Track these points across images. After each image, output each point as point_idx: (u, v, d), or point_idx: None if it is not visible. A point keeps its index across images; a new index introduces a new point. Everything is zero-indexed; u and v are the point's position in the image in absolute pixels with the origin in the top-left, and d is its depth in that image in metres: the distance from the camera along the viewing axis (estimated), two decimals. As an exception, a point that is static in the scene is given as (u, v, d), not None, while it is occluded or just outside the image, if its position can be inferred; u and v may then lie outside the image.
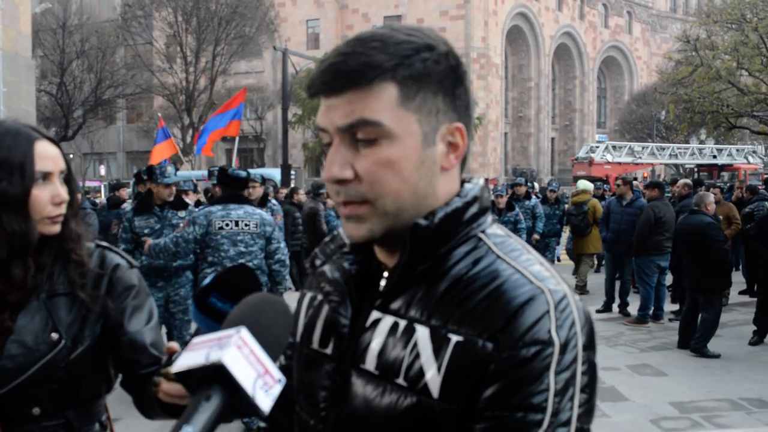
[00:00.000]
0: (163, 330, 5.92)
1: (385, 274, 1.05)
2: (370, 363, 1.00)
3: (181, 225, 5.45)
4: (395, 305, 1.01)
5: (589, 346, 0.93)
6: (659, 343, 7.74)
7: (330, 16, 46.21)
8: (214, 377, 0.83)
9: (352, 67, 0.94)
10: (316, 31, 46.46)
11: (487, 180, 24.09)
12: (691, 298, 7.60)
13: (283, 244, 5.50)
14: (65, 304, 1.58)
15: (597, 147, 32.63)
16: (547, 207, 11.71)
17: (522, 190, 11.09)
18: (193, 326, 1.39)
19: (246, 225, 5.21)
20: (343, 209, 0.99)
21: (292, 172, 21.33)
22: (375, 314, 1.02)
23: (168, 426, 0.86)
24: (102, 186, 35.47)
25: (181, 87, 30.84)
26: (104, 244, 1.73)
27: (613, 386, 6.29)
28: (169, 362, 1.30)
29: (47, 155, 1.57)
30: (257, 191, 7.05)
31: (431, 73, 0.97)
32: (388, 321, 1.00)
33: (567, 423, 0.89)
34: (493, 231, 1.04)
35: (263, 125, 42.46)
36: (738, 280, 11.52)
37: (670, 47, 36.50)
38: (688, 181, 11.21)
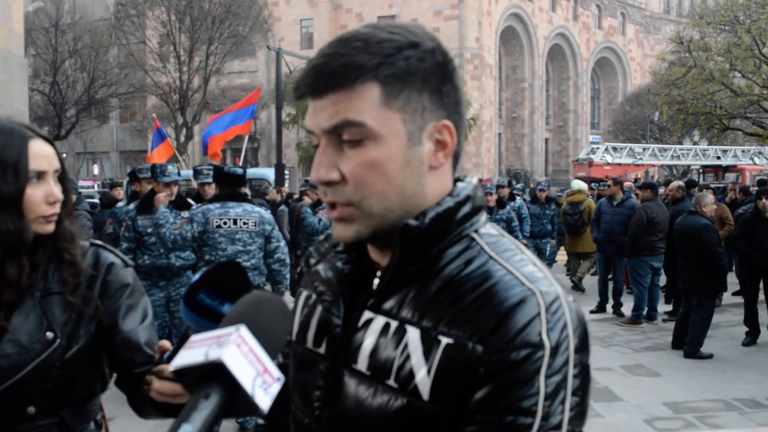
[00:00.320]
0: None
1: (378, 273, 1.05)
2: (362, 363, 1.00)
3: (178, 222, 5.41)
4: (387, 305, 1.00)
5: (582, 348, 0.92)
6: (653, 344, 7.77)
7: (324, 15, 46.18)
8: (213, 375, 0.82)
9: (334, 69, 0.94)
10: (310, 31, 46.41)
11: (480, 180, 24.11)
12: (687, 300, 7.62)
13: (282, 243, 5.39)
14: (60, 303, 1.57)
15: (597, 148, 32.66)
16: (536, 207, 11.56)
17: (505, 192, 10.74)
18: None
19: (244, 223, 5.13)
20: (332, 212, 0.99)
21: (286, 171, 21.30)
22: (367, 314, 1.02)
23: (163, 425, 0.86)
24: (95, 185, 35.39)
25: (175, 86, 30.75)
26: (99, 242, 1.72)
27: (606, 386, 6.30)
28: (161, 361, 1.29)
29: (42, 154, 1.56)
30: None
31: (415, 71, 0.96)
32: (380, 321, 1.00)
33: (558, 427, 0.88)
34: (487, 230, 1.03)
35: (257, 125, 42.28)
36: (731, 281, 11.57)
37: (664, 48, 36.54)
38: (682, 183, 11.25)
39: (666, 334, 8.28)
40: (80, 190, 7.79)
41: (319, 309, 1.10)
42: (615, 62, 60.52)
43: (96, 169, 46.94)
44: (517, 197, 11.28)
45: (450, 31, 44.33)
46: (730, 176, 28.73)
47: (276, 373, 0.86)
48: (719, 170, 30.75)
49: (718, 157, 31.92)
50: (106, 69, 28.82)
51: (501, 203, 9.74)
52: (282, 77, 22.02)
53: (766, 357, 7.41)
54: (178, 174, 5.96)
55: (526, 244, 10.21)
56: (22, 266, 1.54)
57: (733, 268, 12.77)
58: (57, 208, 1.57)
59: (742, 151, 32.41)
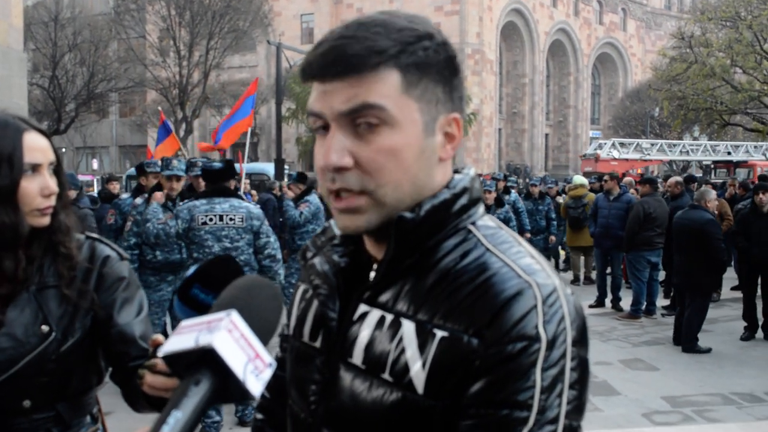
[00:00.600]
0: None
1: (375, 266, 1.04)
2: (358, 357, 0.99)
3: (163, 218, 5.34)
4: (383, 298, 0.99)
5: (580, 341, 0.91)
6: (652, 338, 7.77)
7: (324, 10, 46.07)
8: (204, 361, 0.81)
9: (357, 51, 0.91)
10: (311, 26, 46.30)
11: (481, 175, 24.08)
12: (682, 296, 7.60)
13: (273, 239, 5.21)
14: (55, 297, 1.57)
15: (604, 144, 32.56)
16: (529, 203, 11.28)
17: (500, 185, 10.50)
18: None
19: (231, 219, 4.95)
20: (338, 201, 0.96)
21: (286, 166, 21.27)
22: (363, 307, 1.01)
23: (160, 419, 0.85)
24: (94, 180, 35.31)
25: (175, 81, 30.65)
26: (94, 235, 1.71)
27: (605, 380, 6.31)
28: (154, 355, 1.29)
29: (36, 147, 1.55)
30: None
31: (432, 62, 0.96)
32: (375, 315, 0.99)
33: (554, 420, 0.87)
34: (484, 223, 1.02)
35: (257, 120, 42.17)
36: (730, 275, 11.57)
37: (665, 44, 36.48)
38: (680, 178, 11.24)
39: (664, 328, 8.29)
40: (80, 185, 7.73)
41: (315, 303, 1.10)
42: (616, 58, 60.39)
43: (95, 164, 46.85)
44: (512, 190, 11.06)
45: (451, 27, 44.20)
46: (741, 172, 28.58)
47: (268, 358, 0.85)
48: (730, 166, 30.62)
49: (729, 153, 31.75)
50: (105, 63, 28.70)
51: (500, 202, 9.42)
52: (282, 72, 21.96)
53: (764, 351, 7.42)
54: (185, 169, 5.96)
55: (530, 239, 10.17)
56: (18, 259, 1.53)
57: (732, 263, 12.80)
58: (52, 201, 1.57)
59: (755, 147, 32.12)
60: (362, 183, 0.94)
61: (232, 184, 5.35)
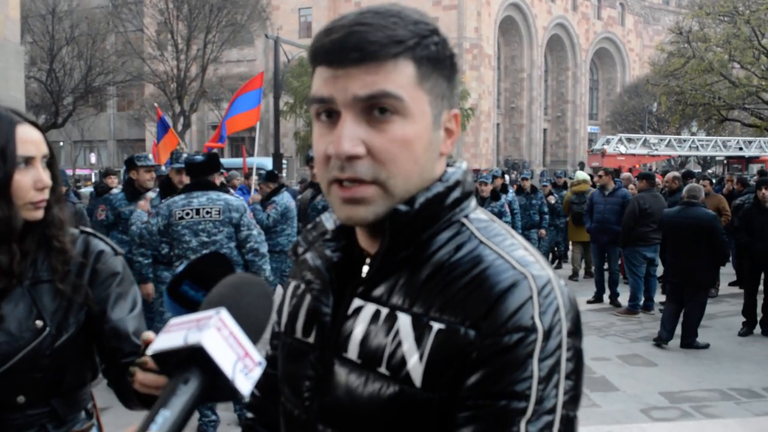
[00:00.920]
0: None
1: (368, 260, 1.03)
2: (353, 352, 0.98)
3: (146, 217, 5.27)
4: (377, 292, 0.99)
5: (575, 332, 0.91)
6: (649, 334, 7.76)
7: (323, 4, 45.99)
8: (193, 360, 0.80)
9: (378, 39, 0.91)
10: (309, 20, 46.24)
11: (478, 170, 24.04)
12: (676, 293, 7.46)
13: (255, 231, 4.96)
14: (49, 292, 1.56)
15: (611, 139, 32.60)
16: (522, 198, 11.01)
17: (497, 182, 10.07)
18: None
19: (207, 212, 4.76)
20: (344, 191, 0.94)
21: (284, 161, 21.28)
22: (357, 302, 1.01)
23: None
24: (92, 174, 35.26)
25: (172, 75, 30.59)
26: (88, 230, 1.70)
27: (603, 376, 6.31)
28: (146, 352, 1.27)
29: (29, 139, 1.53)
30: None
31: (441, 57, 0.96)
32: (370, 309, 0.99)
33: (552, 410, 0.87)
34: (477, 216, 1.02)
35: (255, 114, 42.32)
36: (728, 271, 11.59)
37: (663, 39, 36.44)
38: (677, 174, 11.25)
39: (663, 324, 8.28)
40: (68, 181, 7.66)
41: (307, 298, 1.09)
42: (614, 53, 60.41)
43: (93, 158, 46.82)
44: (510, 190, 10.83)
45: (449, 21, 44.19)
46: (754, 167, 28.53)
47: (257, 357, 0.84)
48: (743, 161, 30.61)
49: (741, 148, 31.72)
50: (103, 57, 28.59)
51: (495, 195, 9.19)
52: (280, 66, 21.93)
53: (762, 347, 7.43)
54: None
55: (524, 236, 10.12)
56: (12, 254, 1.52)
57: (730, 258, 12.81)
58: (46, 194, 1.55)
59: (766, 142, 32.03)
60: (374, 172, 0.93)
61: (217, 178, 5.17)
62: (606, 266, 9.83)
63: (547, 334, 0.88)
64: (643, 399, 5.74)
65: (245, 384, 0.82)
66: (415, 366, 0.91)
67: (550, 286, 0.91)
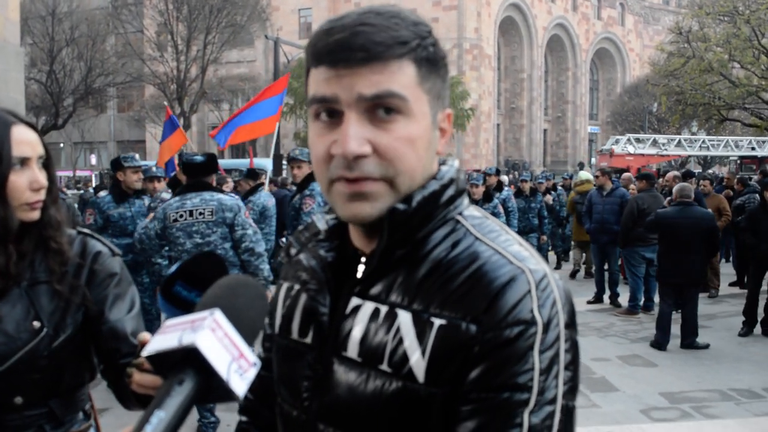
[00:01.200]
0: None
1: (363, 260, 1.04)
2: (353, 350, 0.99)
3: (146, 220, 5.23)
4: (375, 291, 1.00)
5: (571, 324, 0.93)
6: (649, 334, 7.75)
7: (322, 5, 45.99)
8: (188, 361, 0.81)
9: (384, 40, 0.92)
10: (309, 21, 46.24)
11: (478, 171, 23.94)
12: (678, 293, 7.43)
13: (250, 231, 4.88)
14: (47, 292, 1.55)
15: (619, 139, 32.55)
16: (521, 200, 10.78)
17: (492, 180, 9.96)
18: None
19: (200, 214, 4.72)
20: (351, 186, 0.94)
21: (284, 162, 21.27)
22: (355, 301, 1.01)
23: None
24: (92, 175, 35.23)
25: (172, 76, 30.59)
26: (86, 231, 1.70)
27: (603, 376, 6.31)
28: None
29: (24, 140, 1.53)
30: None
31: (438, 58, 0.98)
32: (368, 307, 0.99)
33: (553, 401, 0.89)
34: (471, 213, 1.04)
35: (255, 115, 42.31)
36: (728, 272, 11.59)
37: (663, 39, 36.44)
38: (678, 173, 11.25)
39: (663, 324, 8.28)
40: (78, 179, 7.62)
41: (303, 299, 1.09)
42: (614, 53, 60.39)
43: (93, 159, 46.81)
44: (505, 188, 10.58)
45: (449, 22, 44.19)
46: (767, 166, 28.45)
47: (252, 358, 0.85)
48: (756, 161, 30.53)
49: (753, 148, 31.62)
50: (103, 58, 28.59)
51: (488, 196, 8.94)
52: (280, 67, 21.93)
53: (762, 348, 7.42)
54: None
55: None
56: (9, 254, 1.52)
57: (731, 259, 12.81)
58: (42, 195, 1.55)
59: None
60: (382, 169, 0.94)
61: (214, 179, 5.13)
62: (606, 266, 9.82)
63: (546, 327, 0.89)
64: (643, 399, 5.73)
65: (240, 384, 0.82)
66: (417, 362, 0.92)
67: (546, 280, 0.93)
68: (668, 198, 7.69)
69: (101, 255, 1.65)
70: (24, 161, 1.52)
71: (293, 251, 1.14)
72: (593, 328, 8.27)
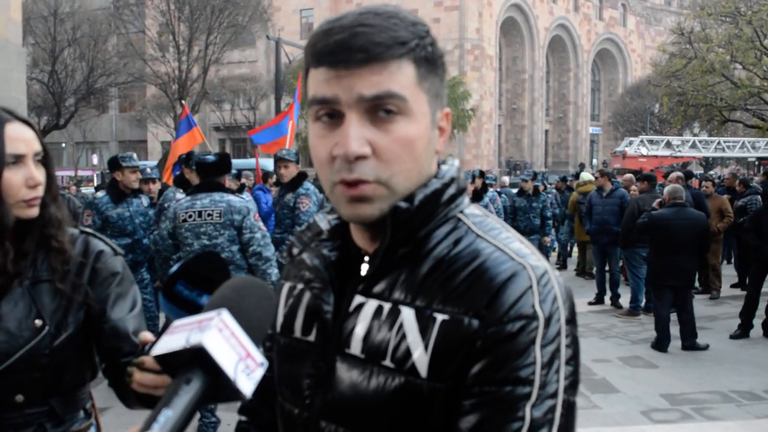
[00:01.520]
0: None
1: (366, 258, 1.05)
2: (356, 347, 1.00)
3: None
4: (378, 289, 1.01)
5: (571, 320, 0.94)
6: (650, 335, 7.74)
7: (324, 5, 46.00)
8: (195, 360, 0.81)
9: (383, 40, 0.92)
10: (310, 21, 46.24)
11: (482, 170, 23.93)
12: (675, 295, 7.38)
13: (258, 234, 4.80)
14: (49, 291, 1.56)
15: (633, 140, 32.54)
16: (522, 200, 10.68)
17: (477, 182, 9.72)
18: None
19: (209, 215, 4.67)
20: (350, 189, 0.95)
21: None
22: (358, 299, 1.02)
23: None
24: (94, 175, 35.23)
25: (174, 76, 30.57)
26: (88, 230, 1.70)
27: (604, 378, 6.30)
28: (143, 352, 1.28)
29: (19, 137, 1.53)
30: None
31: (436, 57, 0.99)
32: (372, 305, 1.00)
33: (554, 395, 0.90)
34: (471, 211, 1.05)
35: (256, 115, 42.32)
36: (730, 273, 11.58)
37: (665, 40, 36.40)
38: (680, 174, 11.24)
39: (664, 325, 8.27)
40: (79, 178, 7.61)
41: (306, 298, 1.10)
42: (616, 54, 60.35)
43: (95, 159, 46.86)
44: (490, 189, 10.38)
45: (450, 22, 44.19)
46: None
47: (259, 357, 0.85)
48: None
49: None
50: (105, 58, 28.61)
51: (477, 195, 8.90)
52: (281, 67, 21.93)
53: (763, 349, 7.41)
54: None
55: None
56: (6, 252, 1.52)
57: (732, 260, 12.80)
58: (39, 192, 1.55)
59: None
60: (377, 173, 0.94)
61: (226, 180, 5.07)
62: (607, 267, 9.82)
63: (548, 321, 0.91)
64: (644, 401, 5.73)
65: (247, 384, 0.83)
66: (420, 357, 0.93)
67: (547, 276, 0.94)
68: (658, 200, 7.61)
69: (103, 254, 1.66)
70: (19, 158, 1.52)
71: (296, 251, 1.15)
72: (594, 329, 8.27)
